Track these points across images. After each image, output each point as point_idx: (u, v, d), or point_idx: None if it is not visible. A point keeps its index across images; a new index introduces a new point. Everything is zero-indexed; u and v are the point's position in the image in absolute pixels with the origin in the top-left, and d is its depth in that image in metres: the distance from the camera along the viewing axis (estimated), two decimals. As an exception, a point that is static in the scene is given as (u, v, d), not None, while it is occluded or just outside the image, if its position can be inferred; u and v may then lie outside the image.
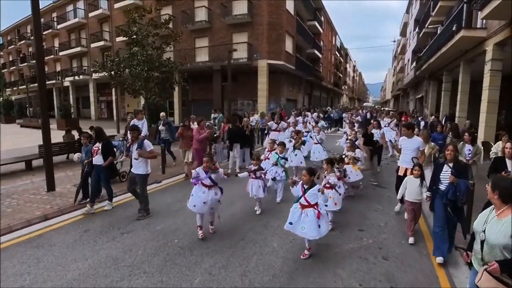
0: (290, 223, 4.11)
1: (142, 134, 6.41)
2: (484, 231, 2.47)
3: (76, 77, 31.88)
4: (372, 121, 9.58)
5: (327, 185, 4.97)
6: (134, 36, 10.46)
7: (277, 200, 6.57)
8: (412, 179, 4.85)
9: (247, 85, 22.26)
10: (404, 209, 5.35)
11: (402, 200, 5.42)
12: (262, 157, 6.72)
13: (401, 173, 5.76)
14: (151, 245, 4.46)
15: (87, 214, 5.84)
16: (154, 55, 10.22)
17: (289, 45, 23.37)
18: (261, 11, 20.90)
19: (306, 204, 4.05)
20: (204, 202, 4.63)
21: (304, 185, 4.13)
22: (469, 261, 2.68)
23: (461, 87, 14.47)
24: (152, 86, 10.34)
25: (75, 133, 10.20)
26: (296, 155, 8.04)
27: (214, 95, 22.50)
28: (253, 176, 5.77)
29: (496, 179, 2.63)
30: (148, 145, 5.81)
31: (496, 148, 6.42)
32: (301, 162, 8.02)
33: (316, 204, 4.09)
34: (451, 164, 4.30)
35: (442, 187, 4.26)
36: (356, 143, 7.77)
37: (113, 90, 29.65)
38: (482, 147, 7.46)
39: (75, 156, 6.96)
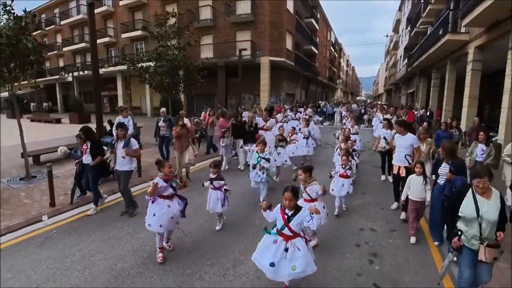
0: (272, 265, 3.11)
1: (128, 133, 6.26)
2: (481, 216, 2.94)
3: (81, 73, 32.70)
4: (382, 121, 9.06)
5: (307, 199, 4.23)
6: (159, 37, 11.66)
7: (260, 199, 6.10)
8: (415, 178, 4.78)
9: (250, 80, 23.47)
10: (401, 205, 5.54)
11: (398, 198, 5.76)
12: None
13: (395, 171, 5.73)
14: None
15: (93, 214, 5.85)
16: (179, 55, 11.49)
17: (289, 43, 24.69)
18: (263, 11, 22.11)
19: (291, 234, 3.19)
20: (171, 217, 4.11)
21: (287, 210, 3.25)
22: (462, 244, 3.03)
23: (448, 84, 16.07)
24: (177, 82, 11.64)
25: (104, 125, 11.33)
26: (279, 153, 7.50)
27: (219, 90, 23.76)
28: (212, 187, 5.00)
29: (482, 169, 3.08)
30: (134, 143, 5.84)
31: (509, 151, 5.92)
32: (286, 161, 7.64)
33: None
34: (449, 162, 4.35)
35: (440, 181, 4.43)
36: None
37: (120, 85, 30.79)
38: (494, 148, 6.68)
39: (60, 149, 6.49)
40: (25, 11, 7.52)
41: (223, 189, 4.97)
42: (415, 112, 18.33)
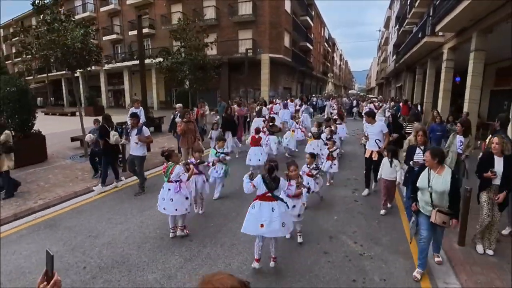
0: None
1: (140, 122, 6.86)
2: (431, 186, 3.54)
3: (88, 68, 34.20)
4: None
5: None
6: (181, 39, 13.60)
7: (214, 196, 6.24)
8: (387, 161, 5.48)
9: (251, 75, 25.35)
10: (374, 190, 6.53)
11: (368, 184, 6.62)
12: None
13: (367, 155, 6.42)
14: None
15: (117, 187, 7.05)
16: (200, 56, 13.50)
17: (286, 41, 26.70)
18: (263, 12, 24.03)
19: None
20: (171, 199, 4.54)
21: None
22: (418, 209, 3.71)
23: (428, 79, 18.29)
24: (199, 77, 13.75)
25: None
26: (255, 154, 7.66)
27: (222, 85, 25.74)
28: (197, 171, 5.29)
29: (434, 150, 3.63)
30: (146, 131, 6.49)
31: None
32: (259, 160, 7.56)
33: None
34: (422, 147, 4.82)
35: (416, 168, 4.58)
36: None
37: (127, 80, 32.47)
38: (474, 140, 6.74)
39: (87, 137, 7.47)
40: (89, 22, 9.48)
41: (211, 166, 5.58)
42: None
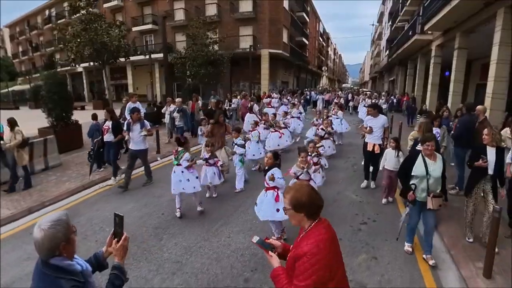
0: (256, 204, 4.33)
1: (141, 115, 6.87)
2: (430, 174, 3.70)
3: (91, 63, 35.03)
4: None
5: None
6: (193, 37, 14.85)
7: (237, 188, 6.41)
8: (391, 151, 5.56)
9: (252, 70, 26.57)
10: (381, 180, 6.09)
11: (367, 177, 6.60)
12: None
13: (369, 148, 6.25)
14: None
15: (113, 185, 7.01)
16: (211, 52, 14.77)
17: (285, 37, 27.97)
18: (263, 9, 25.22)
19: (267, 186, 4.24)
20: (179, 180, 5.03)
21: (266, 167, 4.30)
22: (415, 198, 3.77)
23: (418, 74, 19.82)
24: (210, 72, 15.04)
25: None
26: (249, 148, 7.34)
27: (224, 79, 26.93)
28: (207, 164, 5.72)
29: (430, 136, 3.92)
30: (147, 124, 6.66)
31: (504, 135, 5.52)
32: (253, 155, 7.47)
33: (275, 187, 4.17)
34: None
35: None
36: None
37: (130, 75, 33.45)
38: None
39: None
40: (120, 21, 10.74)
41: (218, 165, 5.80)
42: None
